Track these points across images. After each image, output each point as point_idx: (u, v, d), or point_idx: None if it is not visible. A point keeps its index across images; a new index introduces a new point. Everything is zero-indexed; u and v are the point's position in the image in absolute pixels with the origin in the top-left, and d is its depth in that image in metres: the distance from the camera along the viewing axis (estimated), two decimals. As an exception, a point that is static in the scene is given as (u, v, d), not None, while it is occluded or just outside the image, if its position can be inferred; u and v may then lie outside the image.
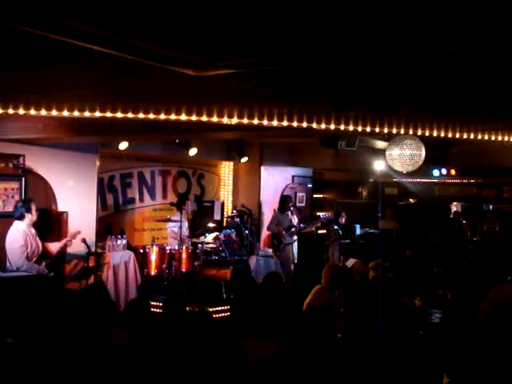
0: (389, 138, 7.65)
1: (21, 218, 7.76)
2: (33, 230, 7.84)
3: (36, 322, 5.92)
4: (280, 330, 5.51)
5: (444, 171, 11.91)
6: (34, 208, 7.82)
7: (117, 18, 2.65)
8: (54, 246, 8.17)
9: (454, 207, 14.77)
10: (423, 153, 7.52)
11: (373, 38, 2.74)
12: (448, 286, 7.66)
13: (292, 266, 11.25)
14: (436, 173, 11.17)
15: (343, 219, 12.45)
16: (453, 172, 12.06)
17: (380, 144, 8.88)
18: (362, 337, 5.43)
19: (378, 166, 10.39)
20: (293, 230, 11.27)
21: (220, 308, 8.88)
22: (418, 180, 13.44)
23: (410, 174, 8.43)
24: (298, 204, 12.71)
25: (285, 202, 11.48)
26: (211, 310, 8.85)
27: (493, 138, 6.41)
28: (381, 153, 9.23)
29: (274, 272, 7.82)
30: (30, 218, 7.78)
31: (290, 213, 11.39)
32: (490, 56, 3.12)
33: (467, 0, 2.12)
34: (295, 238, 11.36)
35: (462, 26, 2.36)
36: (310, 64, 3.40)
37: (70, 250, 8.41)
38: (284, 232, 11.20)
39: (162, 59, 3.20)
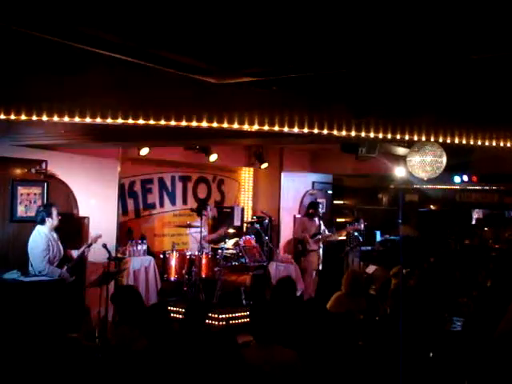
0: (410, 144, 7.60)
1: (42, 222, 7.83)
2: (55, 235, 7.91)
3: (56, 326, 5.98)
4: (300, 337, 5.50)
5: (465, 178, 11.80)
6: (54, 212, 7.89)
7: (141, 28, 2.68)
8: (75, 250, 8.24)
9: (476, 214, 14.62)
10: (444, 159, 7.46)
11: (395, 47, 2.73)
12: (470, 294, 7.59)
13: (314, 274, 11.22)
14: (457, 179, 11.09)
15: (362, 225, 12.39)
16: (474, 178, 11.94)
17: (401, 150, 8.83)
18: (386, 344, 5.41)
19: (399, 172, 10.33)
20: (319, 236, 11.26)
21: (239, 314, 8.88)
22: (439, 186, 13.33)
23: (430, 181, 8.37)
24: (317, 210, 12.69)
25: (315, 207, 11.48)
26: (231, 315, 8.88)
27: (515, 144, 6.35)
28: (401, 159, 9.19)
29: (287, 277, 7.77)
30: (51, 222, 7.84)
31: (317, 219, 11.40)
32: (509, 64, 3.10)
33: (489, 10, 2.11)
34: (320, 244, 11.34)
35: (485, 34, 2.35)
36: (331, 72, 3.40)
37: (90, 254, 8.46)
38: (309, 238, 11.19)
39: (184, 67, 3.23)
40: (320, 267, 11.30)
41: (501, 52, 2.60)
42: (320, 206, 11.65)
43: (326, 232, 11.51)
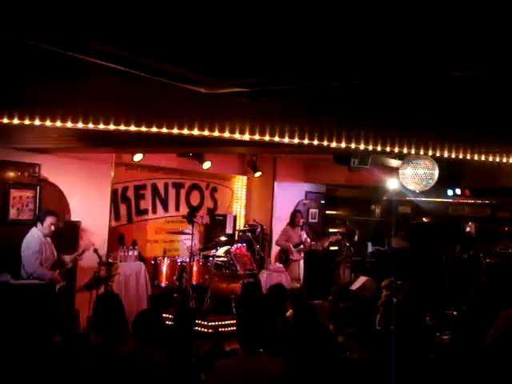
0: (402, 156, 7.65)
1: (36, 224, 7.87)
2: (49, 239, 7.91)
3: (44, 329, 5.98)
4: (287, 345, 5.52)
5: (458, 191, 11.84)
6: (48, 220, 7.83)
7: (134, 39, 2.71)
8: (67, 255, 8.24)
9: (468, 228, 14.67)
10: (436, 172, 7.51)
11: (381, 61, 2.77)
12: (458, 307, 7.61)
13: (296, 283, 11.19)
14: (450, 192, 11.13)
15: (356, 237, 12.41)
16: (467, 192, 11.98)
17: (394, 162, 8.88)
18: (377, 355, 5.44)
19: (392, 184, 10.37)
20: (301, 246, 11.23)
21: (229, 322, 8.88)
22: (431, 199, 13.38)
23: (423, 193, 8.41)
24: (310, 220, 12.69)
25: (294, 216, 11.46)
26: (220, 323, 8.87)
27: (504, 160, 6.39)
28: (394, 171, 9.23)
29: (279, 284, 7.75)
30: (41, 228, 7.84)
31: (299, 228, 11.36)
32: (500, 79, 3.14)
33: (470, 27, 2.15)
34: (302, 255, 11.32)
35: (466, 52, 2.39)
36: (320, 84, 3.44)
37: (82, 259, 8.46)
38: (293, 248, 11.17)
39: (175, 77, 3.26)
40: (301, 277, 11.24)
41: (482, 70, 2.65)
42: (299, 215, 11.52)
43: (308, 241, 11.44)
